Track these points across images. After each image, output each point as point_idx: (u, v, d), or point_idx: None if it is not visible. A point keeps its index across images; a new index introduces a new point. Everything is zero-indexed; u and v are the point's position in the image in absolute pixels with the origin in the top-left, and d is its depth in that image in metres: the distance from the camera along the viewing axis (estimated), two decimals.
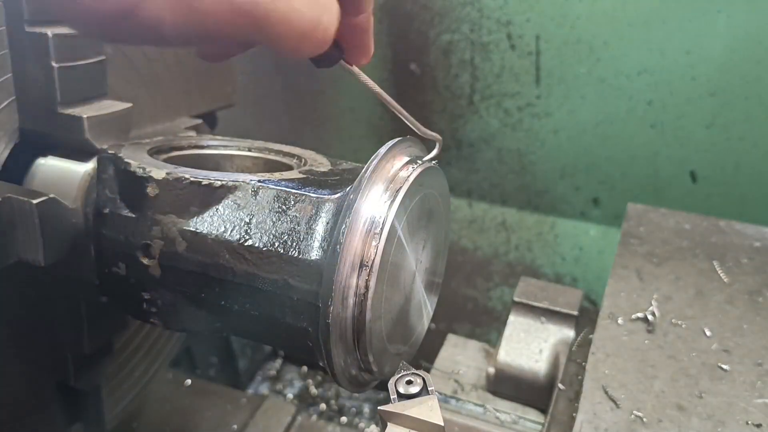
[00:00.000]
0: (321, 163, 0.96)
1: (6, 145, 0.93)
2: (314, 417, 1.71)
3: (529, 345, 1.30)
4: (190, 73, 1.25)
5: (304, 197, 0.81)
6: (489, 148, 1.93)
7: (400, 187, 0.79)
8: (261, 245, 0.81)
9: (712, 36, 1.56)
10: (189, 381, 1.73)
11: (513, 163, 1.93)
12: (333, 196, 0.80)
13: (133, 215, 0.90)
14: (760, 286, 1.24)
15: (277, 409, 1.64)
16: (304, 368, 2.25)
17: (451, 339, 1.46)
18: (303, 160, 1.00)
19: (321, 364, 0.80)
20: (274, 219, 0.81)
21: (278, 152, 1.05)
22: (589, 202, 1.89)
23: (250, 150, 1.08)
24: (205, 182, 0.84)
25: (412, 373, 0.77)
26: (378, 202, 0.78)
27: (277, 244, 0.80)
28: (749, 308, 1.19)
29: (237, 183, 0.84)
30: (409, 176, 0.81)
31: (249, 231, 0.82)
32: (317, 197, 0.81)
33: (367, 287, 0.75)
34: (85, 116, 0.93)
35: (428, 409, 0.72)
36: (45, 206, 0.87)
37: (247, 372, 2.17)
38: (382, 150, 0.81)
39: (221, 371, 2.07)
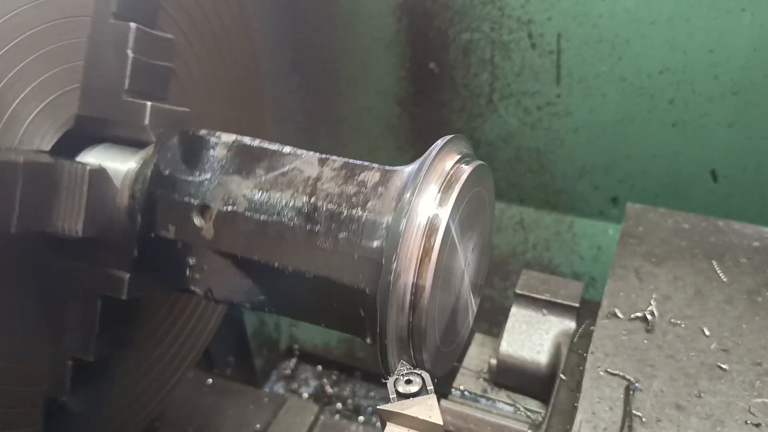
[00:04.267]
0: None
1: (58, 130, 0.94)
2: (337, 416, 1.70)
3: (531, 336, 1.31)
4: (234, 89, 1.28)
5: (371, 167, 0.85)
6: (507, 147, 1.93)
7: (454, 186, 0.79)
8: (327, 205, 0.84)
9: (736, 34, 1.56)
10: (210, 380, 1.73)
11: (531, 162, 1.92)
12: (404, 167, 0.83)
13: (197, 177, 0.91)
14: (759, 285, 1.23)
15: (299, 409, 1.64)
16: (319, 367, 2.25)
17: (478, 338, 1.46)
18: None
19: (368, 341, 0.80)
20: (341, 182, 0.84)
21: None
22: (608, 201, 1.89)
23: None
24: (273, 147, 0.89)
25: (412, 372, 0.76)
26: (433, 201, 0.77)
27: (343, 205, 0.83)
28: (748, 308, 1.18)
29: (303, 152, 0.89)
30: (461, 175, 0.80)
31: (315, 193, 0.84)
32: (384, 168, 0.84)
33: (422, 291, 0.75)
34: (149, 103, 0.97)
35: (427, 409, 0.72)
36: (96, 175, 0.90)
37: (263, 370, 2.17)
38: (435, 148, 0.81)
39: (237, 370, 2.06)
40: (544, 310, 1.33)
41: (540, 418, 1.25)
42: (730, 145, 1.69)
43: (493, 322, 2.08)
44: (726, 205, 1.75)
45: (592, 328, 1.22)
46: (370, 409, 2.11)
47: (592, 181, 1.88)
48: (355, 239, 0.81)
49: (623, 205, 1.88)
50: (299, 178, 0.86)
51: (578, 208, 1.94)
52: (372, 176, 0.83)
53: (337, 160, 0.87)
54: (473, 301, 0.94)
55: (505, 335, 1.31)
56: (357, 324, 0.82)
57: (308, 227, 0.83)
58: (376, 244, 0.79)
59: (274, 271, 0.87)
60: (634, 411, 1.00)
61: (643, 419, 0.98)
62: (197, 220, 0.90)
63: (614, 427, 0.97)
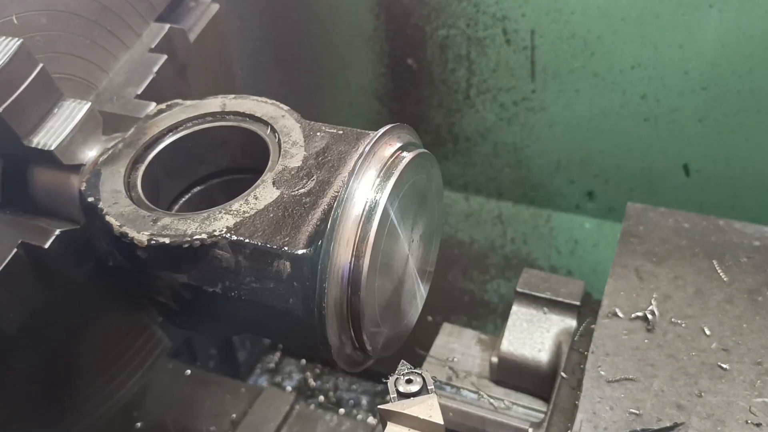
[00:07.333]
0: (294, 143, 0.96)
1: None
2: (312, 406, 1.73)
3: (532, 335, 1.31)
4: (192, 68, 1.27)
5: (279, 254, 0.82)
6: (485, 142, 1.95)
7: (393, 172, 0.81)
8: (248, 296, 0.86)
9: (704, 30, 1.58)
10: (189, 371, 1.75)
11: (509, 157, 1.95)
12: (308, 251, 0.80)
13: (136, 269, 0.92)
14: (759, 285, 1.23)
15: (275, 399, 1.66)
16: (303, 361, 2.27)
17: (446, 328, 1.47)
18: (276, 135, 0.99)
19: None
20: (257, 276, 0.84)
21: (251, 117, 1.05)
22: (583, 195, 1.92)
23: (224, 117, 1.08)
24: (185, 245, 0.85)
25: (412, 372, 0.76)
26: (371, 186, 0.80)
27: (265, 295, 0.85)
28: (749, 307, 1.18)
29: (216, 239, 0.84)
30: (401, 161, 0.83)
31: (238, 282, 0.86)
32: (293, 253, 0.81)
33: (360, 271, 0.78)
34: (53, 148, 0.92)
35: (428, 408, 0.72)
36: (56, 244, 0.93)
37: (247, 364, 2.19)
38: (375, 135, 0.84)
39: (221, 363, 2.09)
40: (545, 309, 1.33)
41: (541, 417, 1.26)
42: (701, 140, 1.71)
43: (471, 315, 2.10)
44: (699, 198, 1.77)
45: (592, 326, 1.23)
46: (351, 401, 2.14)
47: (567, 175, 1.90)
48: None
49: (599, 199, 1.90)
50: (219, 272, 0.88)
51: (555, 202, 1.96)
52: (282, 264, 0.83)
53: (246, 247, 0.86)
54: (422, 287, 0.97)
55: (506, 333, 1.31)
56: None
57: (249, 295, 0.87)
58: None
59: (230, 319, 0.93)
60: (633, 410, 1.01)
61: (644, 418, 0.99)
62: (158, 297, 0.96)
63: (615, 427, 0.97)
